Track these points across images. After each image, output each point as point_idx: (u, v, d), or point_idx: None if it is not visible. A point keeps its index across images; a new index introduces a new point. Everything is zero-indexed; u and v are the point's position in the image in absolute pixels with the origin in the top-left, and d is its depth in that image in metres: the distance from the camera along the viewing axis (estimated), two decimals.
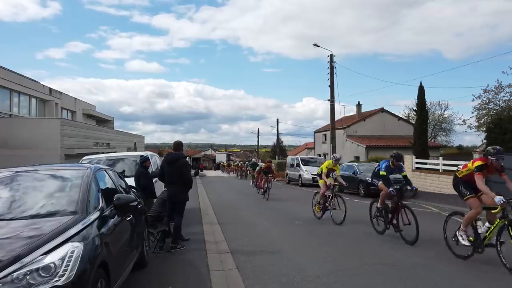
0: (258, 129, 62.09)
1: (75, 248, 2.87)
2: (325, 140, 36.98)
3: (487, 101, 26.44)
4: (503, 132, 17.89)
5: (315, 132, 43.22)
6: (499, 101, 26.11)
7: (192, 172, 46.30)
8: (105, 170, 4.92)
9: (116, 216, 4.09)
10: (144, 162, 8.25)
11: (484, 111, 26.56)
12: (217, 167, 72.81)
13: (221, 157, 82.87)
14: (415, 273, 5.27)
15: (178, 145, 7.23)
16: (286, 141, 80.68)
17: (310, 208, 11.64)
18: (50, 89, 25.11)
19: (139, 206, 5.40)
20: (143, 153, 10.13)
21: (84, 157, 10.20)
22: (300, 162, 25.34)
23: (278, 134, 53.79)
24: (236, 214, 11.57)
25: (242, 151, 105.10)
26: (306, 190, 16.96)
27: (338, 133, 28.34)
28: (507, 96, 25.60)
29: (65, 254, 2.79)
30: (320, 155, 35.79)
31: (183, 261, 5.98)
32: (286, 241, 7.51)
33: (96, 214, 3.60)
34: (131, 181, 7.52)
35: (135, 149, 31.46)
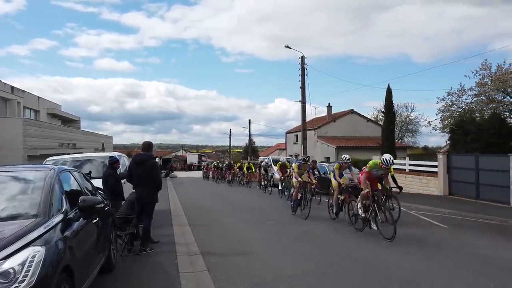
0: (230, 129, 61.59)
1: (36, 252, 2.75)
2: (297, 140, 37.36)
3: (451, 104, 27.50)
4: (465, 134, 18.67)
5: (287, 133, 43.58)
6: (461, 104, 27.22)
7: (163, 173, 45.46)
8: (69, 171, 4.74)
9: (81, 218, 3.95)
10: (113, 163, 8.03)
11: (447, 113, 27.61)
12: (189, 168, 72.05)
13: (192, 158, 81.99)
14: (386, 270, 5.40)
15: (147, 145, 7.09)
16: (258, 141, 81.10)
17: (282, 208, 11.75)
18: (12, 87, 23.98)
19: (105, 208, 5.25)
20: (112, 154, 9.86)
21: (48, 158, 9.80)
22: (272, 163, 25.48)
23: (250, 135, 53.86)
24: (207, 215, 11.47)
25: (214, 152, 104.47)
26: (277, 190, 17.02)
27: (309, 134, 28.68)
28: (469, 99, 26.75)
29: (26, 259, 2.67)
30: (291, 156, 36.10)
31: (152, 263, 5.86)
32: (258, 242, 7.51)
33: (59, 217, 3.46)
34: (98, 183, 7.30)
35: (103, 150, 30.63)
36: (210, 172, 36.11)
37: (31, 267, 2.64)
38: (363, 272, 5.33)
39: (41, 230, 3.06)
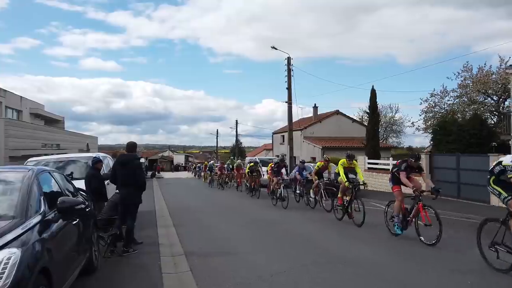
0: (217, 130, 61.55)
1: (12, 254, 2.72)
2: (283, 141, 37.50)
3: (434, 105, 28.02)
4: (447, 134, 19.04)
5: (274, 133, 43.72)
6: (444, 105, 27.76)
7: (149, 174, 45.00)
8: (49, 172, 4.69)
9: (61, 220, 3.91)
10: (96, 163, 7.96)
11: (430, 114, 28.12)
12: (176, 168, 71.57)
13: (179, 159, 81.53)
14: (368, 269, 5.47)
15: (131, 146, 7.07)
16: (246, 142, 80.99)
17: (267, 208, 11.78)
18: None
19: (87, 210, 5.20)
20: (96, 155, 9.76)
21: (30, 159, 9.65)
22: (259, 163, 25.51)
23: (237, 135, 53.93)
24: (192, 216, 11.44)
25: (201, 152, 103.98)
26: (263, 190, 17.06)
27: (295, 135, 28.85)
28: (451, 100, 27.29)
29: (1, 261, 2.64)
30: (278, 156, 36.22)
31: (135, 265, 5.83)
32: (242, 242, 7.54)
33: (37, 218, 3.42)
34: (81, 184, 7.24)
35: (87, 151, 30.21)
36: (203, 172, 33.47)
37: (6, 268, 2.61)
38: (346, 270, 5.40)
39: (17, 231, 3.02)
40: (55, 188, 4.58)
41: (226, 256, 6.37)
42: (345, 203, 9.48)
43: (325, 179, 12.41)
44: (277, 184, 13.41)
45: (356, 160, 10.15)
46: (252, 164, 17.61)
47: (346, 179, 9.33)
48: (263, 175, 20.05)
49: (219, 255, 6.47)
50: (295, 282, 4.92)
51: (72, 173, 8.11)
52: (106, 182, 8.01)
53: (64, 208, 3.88)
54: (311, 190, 12.52)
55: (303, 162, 14.52)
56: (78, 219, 4.48)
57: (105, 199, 7.63)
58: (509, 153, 14.87)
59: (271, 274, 5.25)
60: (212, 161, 33.12)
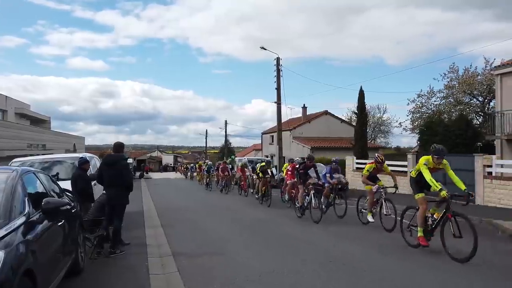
0: (206, 130, 61.70)
1: None
2: (272, 141, 37.56)
3: (421, 105, 28.42)
4: (434, 134, 19.32)
5: (263, 133, 43.76)
6: (431, 105, 28.18)
7: (137, 174, 44.56)
8: (34, 173, 4.62)
9: (46, 221, 3.86)
10: (82, 164, 7.87)
11: (417, 115, 28.52)
12: (164, 169, 71.14)
13: (168, 159, 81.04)
14: (356, 268, 5.52)
15: (118, 146, 7.02)
16: (235, 142, 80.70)
17: (255, 208, 11.75)
18: None
19: (73, 211, 5.14)
20: (82, 155, 9.65)
21: (14, 160, 9.49)
22: (247, 164, 25.49)
23: (226, 135, 53.82)
24: (181, 216, 11.38)
25: (190, 153, 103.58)
26: (250, 191, 17.08)
27: (284, 135, 28.93)
28: (438, 100, 27.70)
29: None
30: (267, 156, 36.28)
31: (122, 266, 5.78)
32: (230, 242, 7.52)
33: (21, 220, 3.37)
34: (68, 184, 7.15)
35: (74, 151, 29.86)
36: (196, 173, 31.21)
37: None
38: (335, 270, 5.43)
39: (1, 233, 2.97)
40: (40, 189, 4.51)
41: (213, 256, 6.34)
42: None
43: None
44: (302, 190, 10.41)
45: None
46: (263, 164, 15.13)
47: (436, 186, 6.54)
48: (250, 175, 20.00)
49: (207, 255, 6.44)
50: (285, 282, 4.93)
51: (58, 173, 8.01)
52: (93, 183, 7.93)
53: (49, 209, 3.82)
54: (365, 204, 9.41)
55: (336, 161, 11.93)
56: (63, 220, 4.43)
57: (91, 200, 7.55)
58: (494, 153, 15.21)
59: (259, 274, 5.25)
60: (210, 162, 30.45)
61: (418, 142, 23.04)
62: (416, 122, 28.07)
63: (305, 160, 11.01)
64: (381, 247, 6.79)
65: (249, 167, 18.85)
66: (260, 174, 14.41)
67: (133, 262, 5.93)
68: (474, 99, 26.20)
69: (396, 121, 43.56)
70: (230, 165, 21.96)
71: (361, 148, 22.72)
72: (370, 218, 8.85)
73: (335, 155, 25.20)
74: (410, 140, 71.76)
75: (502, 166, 13.47)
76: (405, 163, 17.37)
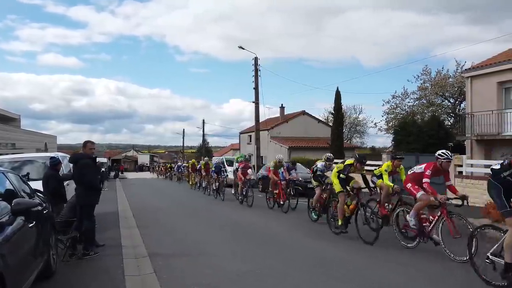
0: (184, 129, 60.65)
1: None
2: (250, 141, 37.58)
3: (395, 106, 29.08)
4: (407, 135, 19.82)
5: (241, 133, 43.72)
6: (405, 106, 28.87)
7: (112, 174, 43.55)
8: (3, 173, 4.44)
9: (16, 222, 3.71)
10: (55, 165, 7.62)
11: (392, 115, 29.16)
12: (140, 168, 70.07)
13: (144, 159, 79.82)
14: (336, 268, 5.58)
15: (83, 144, 6.88)
16: (213, 142, 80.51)
17: (233, 208, 11.62)
18: None
19: (44, 212, 4.97)
20: (54, 154, 9.34)
21: None
22: (225, 163, 25.42)
23: (204, 135, 53.40)
24: (157, 217, 11.21)
25: (167, 152, 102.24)
26: (229, 190, 17.01)
27: (262, 134, 28.98)
28: (412, 102, 28.42)
29: None
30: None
31: (96, 268, 5.63)
32: (208, 243, 7.46)
33: None
34: (39, 185, 6.91)
35: (46, 150, 28.93)
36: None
37: None
38: (314, 269, 5.48)
39: None
40: (9, 189, 4.34)
41: (191, 257, 6.28)
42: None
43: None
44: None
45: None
46: (278, 162, 12.13)
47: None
48: (227, 175, 19.87)
49: (184, 256, 6.38)
50: (262, 282, 4.94)
51: (28, 173, 7.72)
52: (65, 183, 7.71)
53: (18, 211, 3.68)
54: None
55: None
56: (34, 222, 4.27)
57: (64, 200, 7.32)
58: (464, 153, 15.74)
59: (237, 274, 5.24)
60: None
61: (393, 142, 23.57)
62: (391, 123, 28.71)
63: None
64: (375, 254, 6.88)
65: (225, 167, 18.86)
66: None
67: (108, 264, 5.80)
68: (446, 101, 27.04)
69: (372, 122, 44.60)
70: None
71: (337, 148, 23.06)
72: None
73: (312, 155, 25.54)
74: (385, 140, 73.45)
75: (472, 165, 13.94)
76: (379, 162, 17.70)
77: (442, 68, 29.26)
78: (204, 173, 19.52)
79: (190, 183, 23.97)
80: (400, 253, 6.34)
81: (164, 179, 38.98)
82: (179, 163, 24.47)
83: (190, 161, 27.36)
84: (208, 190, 18.66)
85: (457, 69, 25.54)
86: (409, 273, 5.26)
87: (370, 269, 5.46)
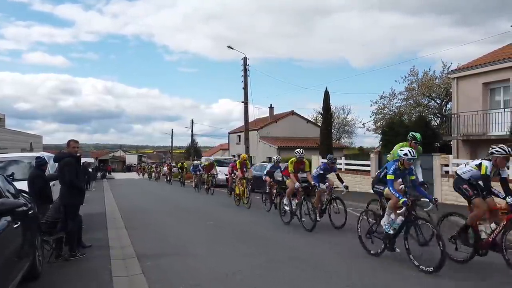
0: (172, 129, 60.25)
1: None
2: (239, 141, 37.55)
3: (383, 107, 29.31)
4: (395, 135, 19.97)
5: (230, 133, 43.65)
6: (392, 107, 29.13)
7: (99, 174, 43.05)
8: None
9: (0, 223, 3.63)
10: (41, 165, 7.48)
11: (380, 116, 29.41)
12: (128, 169, 69.50)
13: (131, 159, 79.13)
14: (323, 267, 5.60)
15: (67, 143, 6.79)
16: (202, 142, 79.99)
17: (222, 208, 11.57)
18: None
19: (29, 212, 4.88)
20: (40, 154, 9.19)
21: None
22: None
23: (192, 135, 53.13)
24: (145, 217, 11.12)
25: (155, 152, 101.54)
26: (220, 191, 16.98)
27: (251, 134, 29.00)
28: (399, 102, 28.70)
29: None
30: (234, 156, 36.22)
31: (83, 269, 5.55)
32: (196, 243, 7.43)
33: None
34: (24, 185, 6.79)
35: (31, 150, 28.44)
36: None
37: None
38: (302, 269, 5.49)
39: None
40: None
41: (179, 257, 6.24)
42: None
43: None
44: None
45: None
46: (296, 159, 9.59)
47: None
48: (217, 175, 19.80)
49: (172, 256, 6.33)
50: (250, 281, 4.93)
51: (13, 173, 7.60)
52: (51, 183, 7.58)
53: (3, 211, 3.61)
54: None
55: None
56: (19, 222, 4.19)
57: (50, 201, 7.19)
58: (451, 153, 15.96)
59: (226, 274, 5.22)
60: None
61: (381, 142, 23.75)
62: (379, 123, 28.93)
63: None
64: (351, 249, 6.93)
65: (216, 167, 18.95)
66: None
67: (95, 265, 5.72)
68: (433, 101, 27.37)
69: (360, 122, 44.87)
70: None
71: (326, 148, 23.14)
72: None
73: None
74: (372, 140, 74.20)
75: (458, 165, 14.14)
76: (368, 162, 17.86)
77: (429, 69, 29.79)
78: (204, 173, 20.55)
79: (194, 185, 22.22)
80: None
81: (155, 180, 37.14)
82: (195, 162, 22.67)
83: (200, 161, 27.11)
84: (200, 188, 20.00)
85: (443, 70, 25.89)
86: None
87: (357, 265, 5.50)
